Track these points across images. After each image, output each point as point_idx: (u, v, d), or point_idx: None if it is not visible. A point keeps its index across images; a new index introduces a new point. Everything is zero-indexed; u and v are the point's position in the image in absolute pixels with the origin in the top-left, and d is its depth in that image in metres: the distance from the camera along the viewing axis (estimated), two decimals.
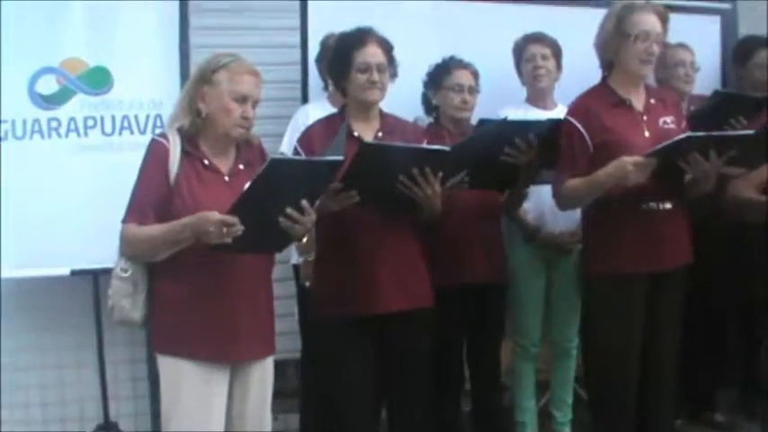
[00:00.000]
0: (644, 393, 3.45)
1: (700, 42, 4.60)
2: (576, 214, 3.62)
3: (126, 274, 2.88)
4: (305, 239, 3.13)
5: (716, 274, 3.95)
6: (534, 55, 4.12)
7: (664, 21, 3.42)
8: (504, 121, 3.47)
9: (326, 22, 4.19)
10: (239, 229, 2.66)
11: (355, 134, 3.25)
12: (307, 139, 3.28)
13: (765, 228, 3.46)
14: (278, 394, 3.27)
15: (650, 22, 3.37)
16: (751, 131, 3.28)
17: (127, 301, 2.89)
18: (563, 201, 3.45)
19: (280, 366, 3.42)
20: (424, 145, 3.26)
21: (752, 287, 3.58)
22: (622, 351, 3.38)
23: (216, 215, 2.66)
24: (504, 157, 3.51)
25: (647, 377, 3.44)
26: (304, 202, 2.77)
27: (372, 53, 3.23)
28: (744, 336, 4.21)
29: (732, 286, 3.90)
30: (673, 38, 3.67)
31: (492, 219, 3.88)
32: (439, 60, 3.91)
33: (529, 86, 4.20)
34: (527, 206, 4.01)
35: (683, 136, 3.12)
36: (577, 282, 3.78)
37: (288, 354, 4.31)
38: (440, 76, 3.87)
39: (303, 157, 3.16)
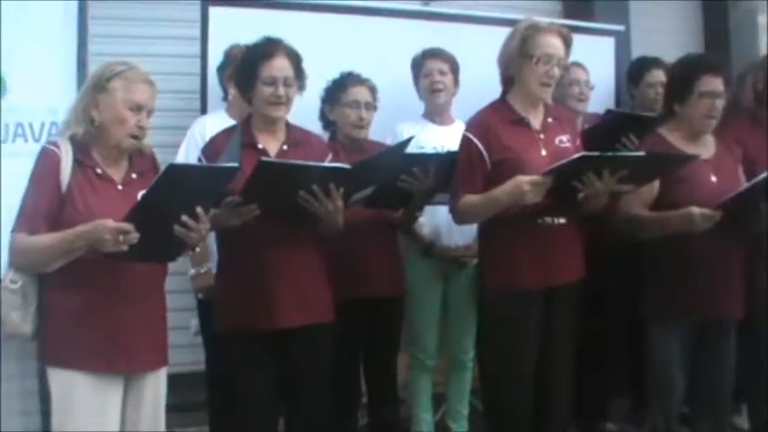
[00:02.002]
0: (539, 404, 3.50)
1: (594, 62, 4.72)
2: (472, 228, 3.67)
3: (15, 286, 2.81)
4: (198, 249, 3.10)
5: (607, 288, 4.04)
6: (432, 70, 4.17)
7: (567, 44, 3.49)
8: (407, 154, 3.50)
9: (227, 32, 4.17)
10: (135, 237, 2.63)
11: (260, 146, 3.24)
12: (211, 148, 3.24)
13: (655, 244, 3.55)
14: (175, 408, 3.23)
15: (554, 45, 3.43)
16: (642, 153, 3.37)
17: (16, 314, 2.82)
18: (460, 216, 3.49)
19: (177, 380, 3.38)
20: (324, 163, 3.25)
21: (639, 301, 3.67)
22: (517, 364, 3.42)
23: (111, 223, 2.63)
24: (401, 184, 3.56)
25: (542, 389, 3.49)
26: (199, 210, 2.75)
27: (279, 66, 3.22)
28: (633, 347, 4.31)
29: (621, 300, 3.98)
30: (569, 57, 3.73)
31: (389, 232, 3.91)
32: (336, 75, 3.91)
33: (427, 102, 4.24)
34: (423, 220, 4.05)
35: (577, 156, 3.18)
36: (473, 295, 3.83)
37: (184, 367, 4.26)
38: (336, 92, 3.88)
39: (199, 163, 3.14)
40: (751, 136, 4.00)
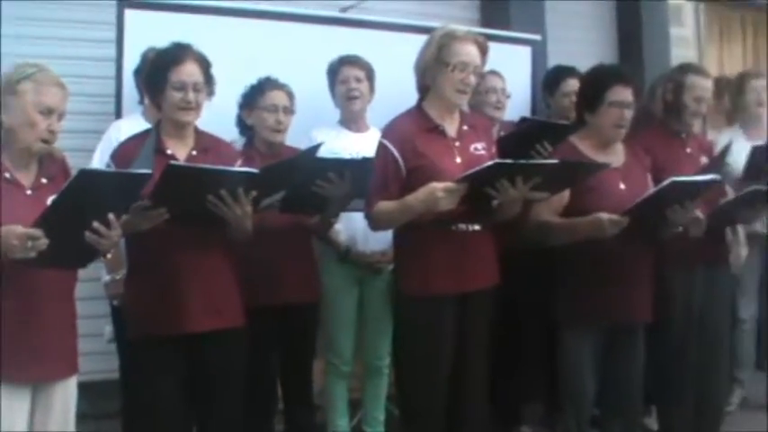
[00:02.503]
0: (453, 410, 3.53)
1: (511, 71, 4.79)
2: (387, 234, 3.68)
3: None
4: (109, 255, 3.07)
5: (521, 293, 4.10)
6: (348, 77, 4.18)
7: (483, 52, 3.52)
8: (322, 159, 3.53)
9: (143, 35, 4.10)
10: (44, 243, 2.58)
11: (168, 151, 3.21)
12: (120, 154, 3.21)
13: (566, 250, 3.62)
14: (89, 417, 3.18)
15: (470, 53, 3.45)
16: (555, 160, 3.43)
17: None
18: (375, 223, 3.49)
19: (90, 388, 3.33)
20: (232, 167, 3.23)
21: (551, 306, 3.74)
22: (431, 369, 3.43)
23: (20, 228, 2.58)
24: (317, 189, 3.57)
25: (456, 394, 3.51)
26: (111, 216, 2.72)
27: (189, 72, 3.20)
28: (547, 352, 4.38)
29: (535, 305, 4.03)
30: (485, 65, 3.78)
31: (304, 238, 3.92)
32: (254, 81, 3.90)
33: (342, 108, 4.25)
34: (339, 226, 4.06)
35: (490, 163, 3.21)
36: (389, 301, 3.85)
37: (98, 375, 4.20)
38: (254, 97, 3.86)
39: (112, 169, 3.10)
40: (661, 145, 4.10)
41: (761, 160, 4.15)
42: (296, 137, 3.95)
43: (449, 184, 3.21)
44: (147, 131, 3.34)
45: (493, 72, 4.50)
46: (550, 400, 4.39)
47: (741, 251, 4.72)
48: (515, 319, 4.26)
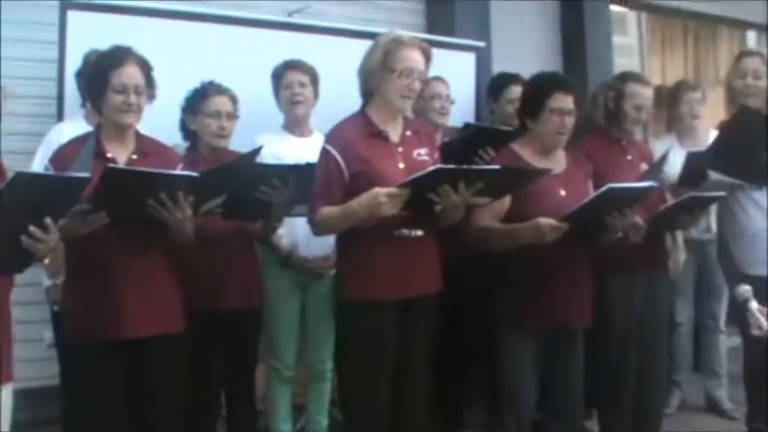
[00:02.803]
0: (396, 414, 3.53)
1: (456, 77, 4.83)
2: (330, 239, 3.68)
3: None
4: (47, 260, 3.03)
5: (463, 298, 4.13)
6: (292, 82, 4.18)
7: (428, 58, 3.53)
8: (266, 165, 3.55)
9: (87, 37, 4.06)
10: None
11: (109, 155, 3.18)
12: (59, 158, 3.17)
13: (506, 255, 3.66)
14: (28, 424, 3.14)
15: (415, 59, 3.47)
16: (497, 166, 3.46)
17: None
18: (318, 228, 3.49)
19: (30, 395, 3.29)
20: (172, 170, 3.22)
21: (493, 311, 3.77)
22: (374, 374, 3.44)
23: None
24: (260, 195, 3.57)
25: (399, 399, 3.52)
26: (48, 220, 2.69)
27: (130, 74, 3.18)
28: (489, 357, 4.42)
29: (477, 310, 4.06)
30: (430, 71, 3.80)
31: (247, 244, 3.91)
32: (197, 85, 3.88)
33: (287, 113, 4.24)
34: (281, 231, 4.05)
35: (432, 168, 3.23)
36: (331, 306, 3.84)
37: (37, 381, 4.15)
38: (197, 102, 3.85)
39: (50, 172, 3.07)
40: (602, 152, 4.15)
41: (696, 166, 4.22)
42: (241, 141, 3.93)
43: (391, 190, 3.22)
44: (87, 135, 3.31)
45: (437, 78, 4.53)
46: (493, 403, 4.42)
47: (680, 256, 4.83)
48: (458, 324, 4.29)
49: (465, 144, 4.17)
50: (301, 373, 4.38)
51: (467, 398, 4.63)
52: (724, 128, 4.26)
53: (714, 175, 4.16)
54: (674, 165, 4.37)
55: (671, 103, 5.28)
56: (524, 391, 3.73)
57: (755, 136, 3.90)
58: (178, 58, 4.07)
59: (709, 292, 5.28)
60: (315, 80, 4.23)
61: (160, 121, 3.54)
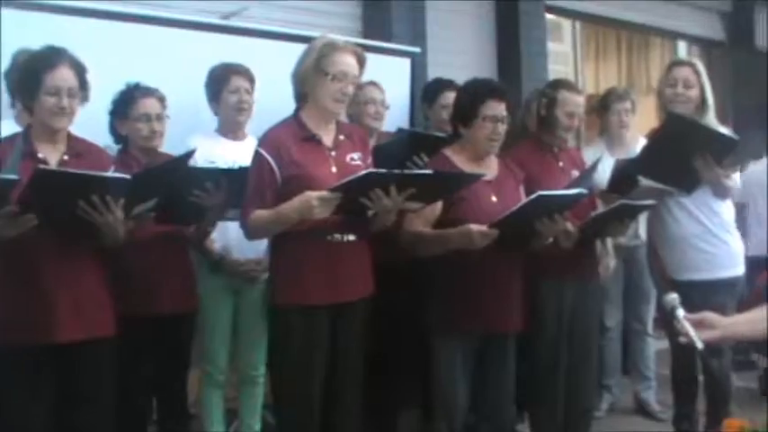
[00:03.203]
0: (328, 419, 3.54)
1: (391, 82, 4.84)
2: (263, 243, 3.68)
3: None
4: None
5: (396, 302, 4.14)
6: (239, 87, 4.15)
7: (361, 63, 3.55)
8: (198, 169, 3.54)
9: (22, 35, 3.93)
10: None
11: (40, 155, 3.14)
12: None
13: (437, 260, 3.68)
14: None
15: (349, 63, 3.48)
16: (428, 171, 3.49)
17: None
18: (250, 232, 3.48)
19: None
20: (104, 173, 3.19)
21: (425, 316, 3.80)
22: (306, 379, 3.44)
23: None
24: (192, 199, 3.55)
25: (332, 403, 3.53)
26: None
27: (63, 77, 3.14)
28: (422, 361, 4.44)
29: (410, 314, 4.07)
30: (365, 76, 3.81)
31: (180, 248, 3.88)
32: (123, 88, 3.83)
33: (229, 118, 4.20)
34: (214, 235, 4.02)
35: (364, 172, 3.25)
36: (264, 310, 3.84)
37: None
38: (125, 106, 3.79)
39: None
40: (534, 159, 4.21)
41: (624, 173, 4.29)
42: (172, 143, 3.90)
43: (323, 193, 3.23)
44: (15, 136, 3.26)
45: (372, 83, 4.54)
46: (426, 408, 4.44)
47: (609, 262, 4.90)
48: (391, 328, 4.30)
49: (398, 149, 4.18)
50: (234, 377, 4.35)
51: (400, 402, 4.63)
52: (653, 135, 4.33)
53: (645, 182, 4.24)
54: (604, 172, 4.44)
55: (601, 111, 5.37)
56: (456, 395, 3.75)
57: (684, 142, 3.98)
58: (112, 59, 4.01)
59: (638, 297, 5.38)
60: (254, 85, 4.21)
61: (90, 121, 3.49)
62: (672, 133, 4.04)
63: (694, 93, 4.31)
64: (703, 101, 4.32)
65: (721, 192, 4.17)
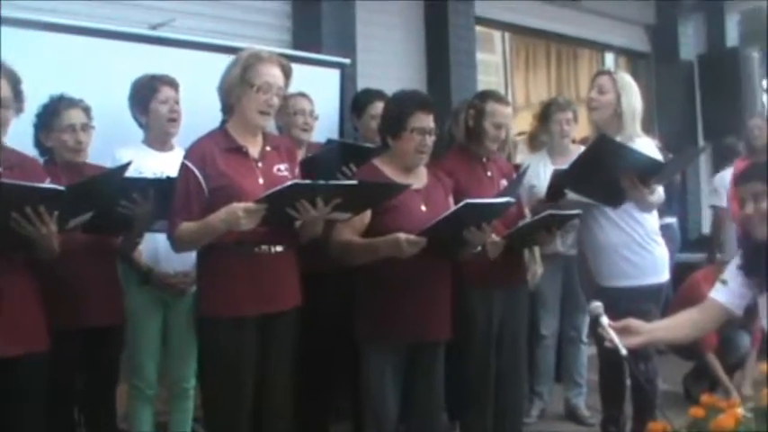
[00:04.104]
0: (260, 430, 3.53)
1: (320, 93, 4.85)
2: (191, 255, 3.65)
3: None
4: None
5: (325, 313, 4.15)
6: (169, 98, 4.11)
7: (287, 74, 3.55)
8: (126, 178, 3.47)
9: None
10: None
11: None
12: None
13: (366, 270, 3.70)
14: None
15: (274, 74, 3.48)
16: (354, 181, 3.50)
17: None
18: (177, 244, 3.46)
19: None
20: (38, 184, 3.14)
21: (354, 326, 3.81)
22: (235, 391, 3.43)
23: None
24: (121, 209, 3.51)
25: (263, 415, 3.52)
26: None
27: None
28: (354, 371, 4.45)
29: (341, 325, 4.08)
30: (294, 87, 3.82)
31: (107, 259, 3.84)
32: (47, 100, 3.77)
33: (157, 128, 4.15)
34: (141, 247, 3.98)
35: (289, 183, 3.25)
36: (193, 322, 3.82)
37: None
38: (50, 118, 3.74)
39: None
40: (463, 168, 4.26)
41: (559, 183, 4.35)
42: (98, 153, 3.86)
43: (249, 205, 3.23)
44: None
45: (301, 94, 4.55)
46: (357, 417, 4.45)
47: (537, 270, 4.96)
48: (323, 339, 4.31)
49: (328, 160, 4.20)
50: (163, 391, 4.30)
51: (331, 412, 4.64)
52: (582, 154, 4.36)
53: (571, 195, 4.31)
54: (545, 181, 4.51)
55: (542, 121, 5.44)
56: (386, 404, 3.76)
57: (611, 162, 4.04)
58: (37, 70, 3.92)
59: (573, 305, 5.44)
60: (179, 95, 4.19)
61: (14, 133, 3.43)
62: (600, 153, 4.09)
63: (607, 98, 4.36)
64: (621, 107, 4.36)
65: (645, 207, 4.25)
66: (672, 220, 7.12)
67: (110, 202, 3.45)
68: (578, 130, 5.47)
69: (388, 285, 3.68)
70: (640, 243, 4.32)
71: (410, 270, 3.60)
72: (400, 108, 3.82)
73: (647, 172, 4.06)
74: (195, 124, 3.75)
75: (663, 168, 4.16)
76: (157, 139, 4.17)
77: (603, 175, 4.10)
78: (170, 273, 4.02)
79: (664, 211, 6.27)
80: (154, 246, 3.98)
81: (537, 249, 4.92)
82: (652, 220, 4.40)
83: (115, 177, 3.42)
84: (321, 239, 3.57)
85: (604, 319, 3.00)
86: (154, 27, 5.05)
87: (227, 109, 3.55)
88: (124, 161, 3.62)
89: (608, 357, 4.27)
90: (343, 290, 3.95)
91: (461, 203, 3.60)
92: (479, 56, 7.70)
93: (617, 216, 4.31)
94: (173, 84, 4.16)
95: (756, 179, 3.02)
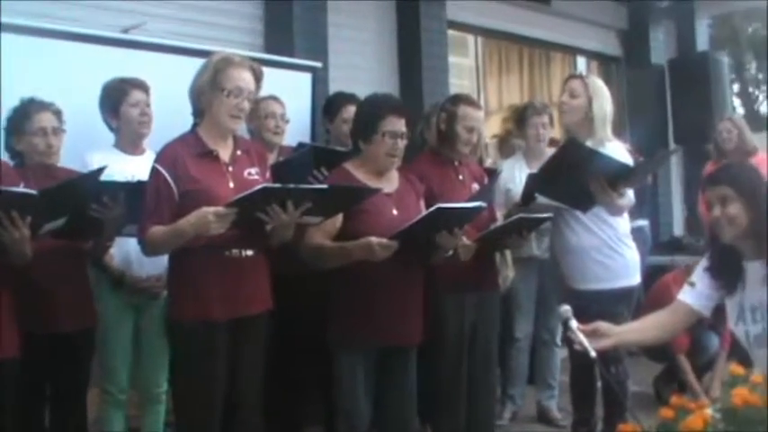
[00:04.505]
0: None
1: (292, 96, 4.85)
2: (163, 259, 3.64)
3: None
4: None
5: (298, 316, 4.15)
6: (140, 101, 4.10)
7: (258, 78, 3.55)
8: (99, 182, 3.45)
9: None
10: None
11: None
12: None
13: (337, 274, 3.70)
14: None
15: (245, 78, 3.48)
16: (324, 185, 3.50)
17: None
18: (148, 248, 3.45)
19: None
20: (10, 188, 3.12)
21: (326, 330, 3.81)
22: (206, 395, 3.42)
23: None
24: (91, 213, 3.50)
25: (233, 419, 3.50)
26: None
27: None
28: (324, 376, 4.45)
29: (313, 329, 4.08)
30: (265, 90, 3.81)
31: (78, 264, 3.82)
32: (17, 103, 3.75)
33: (128, 131, 4.13)
34: (113, 251, 3.97)
35: (258, 187, 3.25)
36: (165, 326, 3.80)
37: None
38: (20, 122, 3.71)
39: None
40: (434, 172, 4.27)
41: (533, 187, 4.38)
42: (68, 157, 3.84)
43: (219, 209, 3.22)
44: None
45: (272, 97, 4.54)
46: (330, 422, 4.44)
47: (508, 274, 4.98)
48: (295, 344, 4.31)
49: (299, 163, 4.19)
50: (135, 396, 4.28)
51: (304, 416, 4.63)
52: (551, 158, 4.38)
53: (541, 199, 4.33)
54: (521, 185, 4.54)
55: (518, 124, 5.47)
56: (358, 408, 3.76)
57: (580, 166, 4.06)
58: (7, 73, 3.94)
59: (547, 308, 5.45)
60: (150, 98, 4.17)
61: None
62: (569, 157, 4.12)
63: (578, 102, 4.38)
64: (592, 111, 4.39)
65: (615, 211, 4.27)
66: (644, 222, 7.18)
67: (82, 207, 3.43)
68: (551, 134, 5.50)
69: (361, 289, 3.68)
70: (611, 246, 4.35)
71: (382, 274, 3.61)
72: (372, 112, 3.83)
73: (616, 176, 4.09)
74: (166, 127, 3.73)
75: (632, 172, 4.19)
76: (128, 142, 4.15)
77: (572, 178, 4.12)
78: (142, 276, 4.01)
79: (635, 213, 6.35)
80: (126, 249, 3.96)
81: (508, 253, 4.94)
82: (623, 224, 4.43)
83: (90, 181, 3.40)
84: (292, 243, 3.57)
85: (573, 323, 3.02)
86: (125, 30, 5.03)
87: (198, 113, 3.54)
88: (95, 165, 3.61)
89: (579, 360, 4.30)
90: (315, 294, 3.94)
91: (433, 208, 3.61)
92: (452, 59, 7.72)
93: (588, 219, 4.33)
94: (143, 87, 4.15)
95: (723, 183, 3.05)
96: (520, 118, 5.49)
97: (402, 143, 3.80)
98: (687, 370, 5.58)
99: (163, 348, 3.86)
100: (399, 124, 3.78)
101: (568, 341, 3.28)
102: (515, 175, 5.03)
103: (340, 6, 6.50)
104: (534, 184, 4.38)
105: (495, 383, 4.67)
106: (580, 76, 4.59)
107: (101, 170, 3.41)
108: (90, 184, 3.40)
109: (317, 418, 4.67)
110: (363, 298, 3.69)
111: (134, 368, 4.16)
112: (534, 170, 4.63)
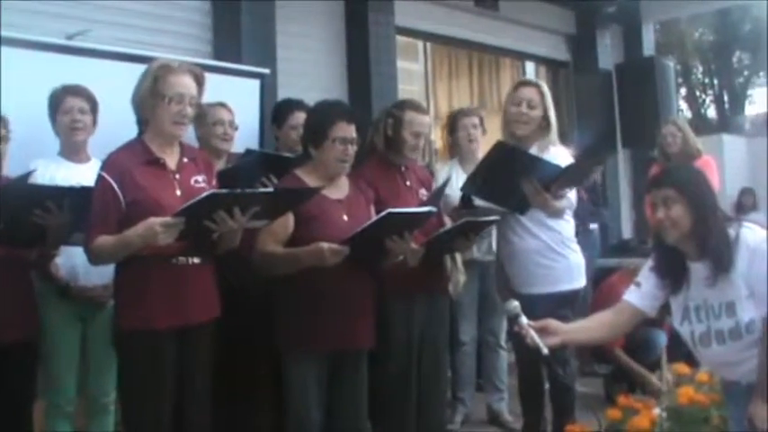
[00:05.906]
0: None
1: (240, 103, 4.81)
2: (110, 268, 3.60)
3: None
4: None
5: (249, 323, 4.13)
6: (72, 108, 4.05)
7: (200, 83, 3.54)
8: (40, 186, 3.43)
9: None
10: None
11: None
12: None
13: (287, 279, 3.70)
14: None
15: (186, 84, 3.47)
16: (270, 189, 3.49)
17: None
18: (94, 257, 3.42)
19: None
20: None
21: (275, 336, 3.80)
22: (155, 404, 3.39)
23: None
24: (34, 219, 3.45)
25: (182, 427, 3.48)
26: None
27: None
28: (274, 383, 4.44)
29: (263, 334, 4.06)
30: (213, 97, 3.80)
31: (21, 272, 3.76)
32: None
33: (65, 139, 4.11)
34: (58, 260, 3.92)
35: (205, 194, 3.23)
36: (112, 336, 3.77)
37: None
38: None
39: None
40: (382, 178, 4.30)
41: (468, 189, 4.40)
42: (17, 166, 3.77)
43: (167, 219, 3.19)
44: None
45: (220, 104, 4.52)
46: (280, 430, 4.42)
47: (459, 277, 5.00)
48: (246, 351, 4.28)
49: (247, 170, 4.18)
50: (82, 406, 4.23)
51: (255, 423, 4.60)
52: (481, 162, 4.37)
53: (478, 202, 4.36)
54: (457, 189, 4.55)
55: (450, 129, 5.50)
56: (310, 414, 3.76)
57: (510, 168, 4.10)
58: None
59: (491, 311, 5.49)
60: (94, 107, 4.12)
61: None
62: (498, 160, 4.14)
63: (537, 113, 4.39)
64: (546, 121, 4.41)
65: (553, 213, 4.30)
66: (593, 225, 7.25)
67: (20, 212, 3.39)
68: (488, 139, 5.49)
69: (311, 295, 3.69)
70: (555, 249, 4.37)
71: (333, 279, 3.62)
72: (322, 118, 3.84)
73: (550, 177, 4.12)
74: (113, 135, 3.69)
75: (563, 174, 4.18)
76: (69, 149, 4.12)
77: (504, 181, 4.15)
78: (89, 286, 3.97)
79: (585, 217, 6.42)
80: (71, 258, 3.91)
81: (459, 257, 4.96)
82: (567, 227, 4.45)
83: (19, 186, 3.36)
84: (241, 250, 3.56)
85: (523, 319, 3.05)
86: (70, 37, 4.98)
87: (142, 121, 3.52)
88: (39, 173, 3.56)
89: (526, 361, 4.33)
90: (263, 301, 3.93)
91: (384, 213, 3.62)
92: (402, 65, 7.75)
93: (532, 223, 4.35)
94: (77, 93, 4.11)
95: (667, 185, 3.09)
96: (451, 124, 5.53)
97: (352, 149, 3.82)
98: (627, 360, 5.67)
99: (110, 358, 3.80)
100: (349, 130, 3.79)
101: (515, 342, 3.30)
102: (452, 179, 5.02)
103: (288, 13, 6.50)
104: (465, 187, 4.41)
105: (446, 388, 4.68)
106: (535, 84, 4.53)
107: (28, 174, 3.37)
108: (21, 189, 3.35)
109: (266, 427, 4.64)
110: (314, 303, 3.69)
111: (81, 378, 4.11)
112: (468, 174, 4.67)
